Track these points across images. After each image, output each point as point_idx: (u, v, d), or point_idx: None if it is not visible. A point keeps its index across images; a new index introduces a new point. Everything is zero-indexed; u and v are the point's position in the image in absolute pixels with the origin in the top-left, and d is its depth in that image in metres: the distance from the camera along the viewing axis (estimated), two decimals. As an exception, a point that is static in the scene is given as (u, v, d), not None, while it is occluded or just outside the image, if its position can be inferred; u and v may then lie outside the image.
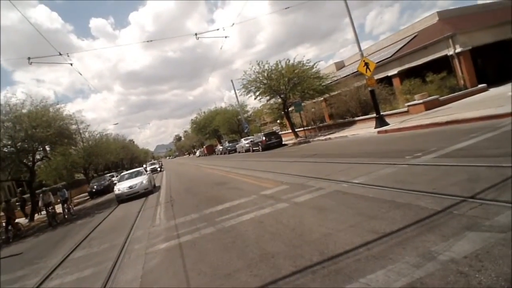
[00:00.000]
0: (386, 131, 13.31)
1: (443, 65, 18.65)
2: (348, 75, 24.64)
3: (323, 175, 7.37)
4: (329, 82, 24.49)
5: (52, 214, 13.99)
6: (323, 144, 17.05)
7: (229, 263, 3.82)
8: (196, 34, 17.46)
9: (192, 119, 60.24)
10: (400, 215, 3.75)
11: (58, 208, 15.23)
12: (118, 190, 14.89)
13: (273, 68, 24.20)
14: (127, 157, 60.55)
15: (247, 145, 29.18)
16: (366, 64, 14.61)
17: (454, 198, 3.74)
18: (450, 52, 18.11)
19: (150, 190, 15.28)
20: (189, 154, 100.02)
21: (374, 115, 15.52)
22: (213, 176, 14.95)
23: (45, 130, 15.94)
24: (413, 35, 22.63)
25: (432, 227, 3.21)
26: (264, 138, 24.34)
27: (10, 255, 9.33)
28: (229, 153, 36.67)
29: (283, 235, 4.29)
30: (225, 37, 19.83)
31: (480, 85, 17.06)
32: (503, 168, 4.35)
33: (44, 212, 14.98)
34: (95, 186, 26.45)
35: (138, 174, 16.76)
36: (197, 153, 65.95)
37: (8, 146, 15.79)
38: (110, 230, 8.83)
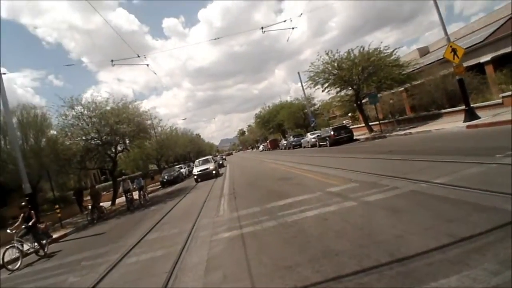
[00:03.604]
0: (476, 126, 12.11)
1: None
2: (433, 62, 22.56)
3: (399, 173, 6.96)
4: (411, 70, 22.72)
5: (130, 199, 16.07)
6: (402, 139, 16.01)
7: (290, 257, 3.94)
8: (262, 28, 17.89)
9: (256, 114, 62.33)
10: (483, 218, 3.46)
11: (135, 195, 17.22)
12: None
13: (344, 57, 23.37)
14: (194, 150, 65.07)
15: (313, 139, 28.87)
16: (454, 50, 13.56)
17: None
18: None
19: None
20: (252, 148, 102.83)
21: (463, 107, 14.14)
22: (276, 171, 15.23)
23: (127, 125, 18.32)
24: (509, 17, 19.68)
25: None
26: (332, 132, 23.66)
27: (95, 234, 10.96)
28: (293, 148, 36.70)
29: (349, 233, 4.25)
30: (292, 28, 19.84)
31: None
32: None
33: (123, 198, 17.13)
34: (166, 177, 29.16)
35: None
36: (260, 148, 67.42)
37: (95, 139, 18.42)
38: (179, 217, 9.77)
